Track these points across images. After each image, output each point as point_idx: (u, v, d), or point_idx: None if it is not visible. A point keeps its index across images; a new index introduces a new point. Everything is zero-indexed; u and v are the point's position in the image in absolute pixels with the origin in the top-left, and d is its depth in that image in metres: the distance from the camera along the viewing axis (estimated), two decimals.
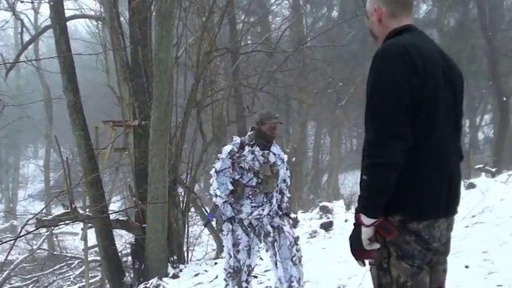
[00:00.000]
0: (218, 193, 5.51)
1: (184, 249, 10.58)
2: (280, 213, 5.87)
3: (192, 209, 12.70)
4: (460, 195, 2.77)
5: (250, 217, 5.61)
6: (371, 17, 2.82)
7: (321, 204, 12.45)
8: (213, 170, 5.64)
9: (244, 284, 5.63)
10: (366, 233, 2.54)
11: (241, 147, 5.66)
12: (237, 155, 5.62)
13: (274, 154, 5.83)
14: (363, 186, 2.50)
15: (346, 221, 10.77)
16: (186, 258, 10.52)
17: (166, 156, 9.07)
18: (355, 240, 2.58)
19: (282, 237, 5.65)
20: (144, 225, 9.49)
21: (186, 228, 10.98)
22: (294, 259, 5.62)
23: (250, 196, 5.62)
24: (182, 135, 10.74)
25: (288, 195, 6.07)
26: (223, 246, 6.04)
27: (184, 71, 11.95)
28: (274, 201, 5.78)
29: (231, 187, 5.59)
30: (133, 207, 10.61)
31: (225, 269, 5.70)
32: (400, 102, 2.45)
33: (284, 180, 6.00)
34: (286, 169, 6.05)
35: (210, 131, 13.50)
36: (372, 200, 2.49)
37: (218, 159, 5.72)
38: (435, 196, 2.59)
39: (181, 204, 10.71)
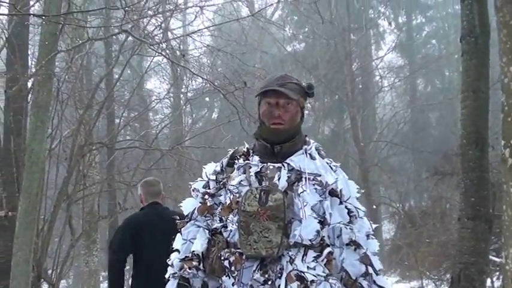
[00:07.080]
0: (171, 258, 2.71)
1: None
2: None
3: None
4: None
5: None
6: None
7: None
8: None
9: None
10: None
11: (231, 163, 2.75)
12: (222, 177, 2.72)
13: (294, 170, 2.67)
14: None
15: None
16: None
17: (32, 251, 8.72)
18: None
19: None
20: None
21: None
22: None
23: (232, 268, 2.54)
24: (50, 229, 10.39)
25: None
26: None
27: (57, 162, 11.71)
28: (282, 284, 2.45)
29: (202, 247, 2.61)
30: None
31: None
32: (122, 240, 5.10)
33: (352, 243, 2.62)
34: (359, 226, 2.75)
35: (80, 225, 13.16)
36: None
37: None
38: None
39: None
